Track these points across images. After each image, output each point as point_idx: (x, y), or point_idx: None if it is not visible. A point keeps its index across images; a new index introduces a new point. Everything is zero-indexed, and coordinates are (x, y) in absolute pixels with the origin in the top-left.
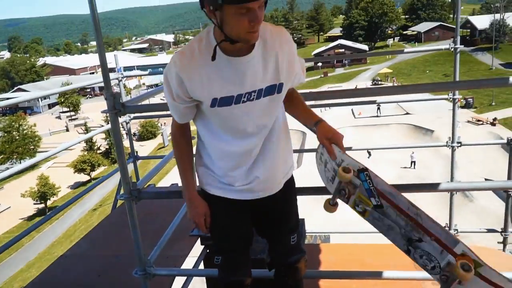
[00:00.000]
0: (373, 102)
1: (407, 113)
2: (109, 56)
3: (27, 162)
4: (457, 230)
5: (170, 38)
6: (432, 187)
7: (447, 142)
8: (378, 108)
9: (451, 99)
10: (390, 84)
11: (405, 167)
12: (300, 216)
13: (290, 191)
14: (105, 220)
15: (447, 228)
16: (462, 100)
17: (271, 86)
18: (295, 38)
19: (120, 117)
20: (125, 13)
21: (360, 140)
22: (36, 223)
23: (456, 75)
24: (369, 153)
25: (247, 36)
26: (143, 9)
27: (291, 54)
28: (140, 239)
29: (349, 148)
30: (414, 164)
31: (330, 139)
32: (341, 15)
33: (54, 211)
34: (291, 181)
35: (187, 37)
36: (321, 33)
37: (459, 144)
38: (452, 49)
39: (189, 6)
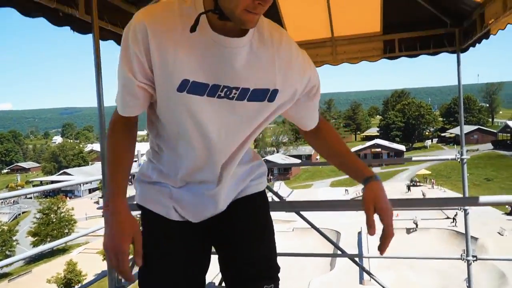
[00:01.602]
0: None
1: (448, 217)
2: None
3: (51, 244)
4: None
5: None
6: None
7: (461, 255)
8: (454, 219)
9: (462, 210)
10: (429, 186)
11: None
12: None
13: (255, 205)
14: None
15: None
16: (507, 207)
17: (262, 90)
18: None
19: None
20: None
21: (398, 244)
22: None
23: (465, 189)
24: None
25: (243, 16)
26: None
27: (293, 62)
28: None
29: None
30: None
31: (378, 210)
32: (378, 116)
33: None
34: (257, 197)
35: None
36: (358, 132)
37: (475, 258)
38: (459, 160)
39: None
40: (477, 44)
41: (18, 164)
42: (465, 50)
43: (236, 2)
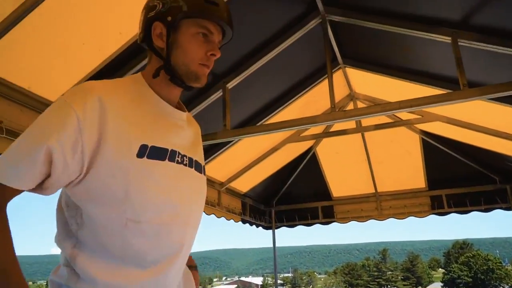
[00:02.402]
0: None
1: None
2: None
3: None
4: None
5: (258, 280)
6: None
7: None
8: None
9: None
10: None
11: None
12: None
13: None
14: None
15: None
16: None
17: (199, 163)
18: None
19: None
20: (220, 253)
21: None
22: None
23: None
24: None
25: (199, 70)
26: (236, 251)
27: (202, 155)
28: None
29: None
30: None
31: None
32: (440, 269)
33: None
34: None
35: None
36: (419, 287)
37: None
38: None
39: (279, 250)
40: None
41: None
42: None
43: (193, 56)
